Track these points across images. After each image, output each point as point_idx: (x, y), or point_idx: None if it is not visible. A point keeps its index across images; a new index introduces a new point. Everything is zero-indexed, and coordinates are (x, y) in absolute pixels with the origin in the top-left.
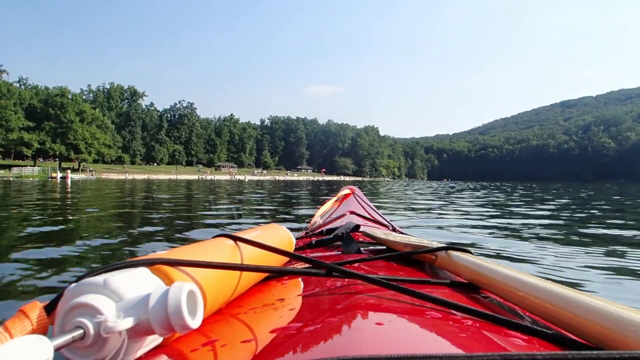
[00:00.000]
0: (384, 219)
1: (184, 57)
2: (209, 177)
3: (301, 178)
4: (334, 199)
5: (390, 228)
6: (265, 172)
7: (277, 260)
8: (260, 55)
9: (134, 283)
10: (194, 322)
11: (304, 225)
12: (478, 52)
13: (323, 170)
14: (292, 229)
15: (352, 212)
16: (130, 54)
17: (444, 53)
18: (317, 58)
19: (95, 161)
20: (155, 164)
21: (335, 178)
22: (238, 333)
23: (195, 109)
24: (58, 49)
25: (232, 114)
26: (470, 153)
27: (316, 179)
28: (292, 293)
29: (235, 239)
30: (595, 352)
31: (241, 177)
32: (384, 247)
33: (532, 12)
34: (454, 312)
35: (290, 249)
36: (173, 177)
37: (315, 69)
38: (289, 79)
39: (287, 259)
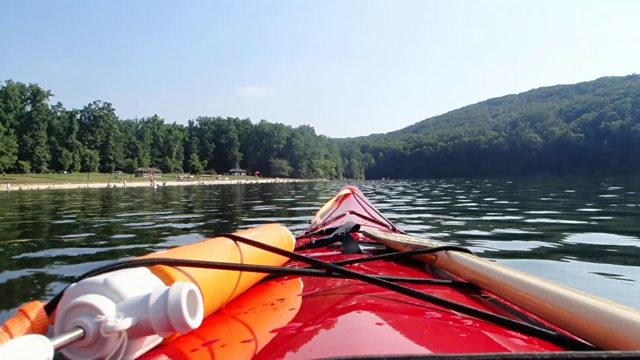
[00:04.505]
0: (384, 218)
1: (102, 56)
2: (120, 185)
3: (233, 182)
4: (334, 198)
5: (390, 228)
6: (192, 176)
7: (277, 260)
8: (188, 56)
9: (134, 283)
10: (194, 322)
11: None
12: (405, 52)
13: (257, 172)
14: (292, 229)
15: (352, 212)
16: (40, 52)
17: (373, 53)
18: (248, 59)
19: None
20: (65, 172)
21: (270, 180)
22: (238, 333)
23: (113, 110)
24: None
25: (155, 115)
26: (406, 151)
27: (250, 182)
28: (292, 293)
29: (236, 238)
30: (595, 352)
31: (160, 184)
32: (384, 247)
33: (452, 15)
34: (454, 312)
35: (290, 248)
36: (83, 185)
37: (248, 71)
38: (220, 80)
39: (287, 258)
